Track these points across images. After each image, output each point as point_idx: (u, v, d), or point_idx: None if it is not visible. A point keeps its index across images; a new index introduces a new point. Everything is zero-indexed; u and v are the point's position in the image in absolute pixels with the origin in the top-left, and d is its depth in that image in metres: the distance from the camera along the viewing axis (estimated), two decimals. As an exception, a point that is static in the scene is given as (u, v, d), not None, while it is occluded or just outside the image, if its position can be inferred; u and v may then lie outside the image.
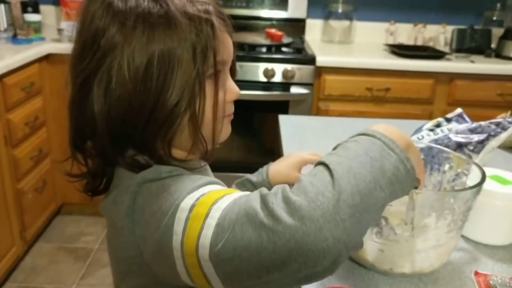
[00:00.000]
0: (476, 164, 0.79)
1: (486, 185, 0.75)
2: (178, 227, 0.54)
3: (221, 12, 0.67)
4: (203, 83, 0.62)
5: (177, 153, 0.67)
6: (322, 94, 2.41)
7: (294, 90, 2.36)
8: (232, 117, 0.73)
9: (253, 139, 2.63)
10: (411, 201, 0.68)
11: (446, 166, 0.86)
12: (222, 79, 0.67)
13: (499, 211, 0.85)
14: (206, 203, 0.54)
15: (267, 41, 2.52)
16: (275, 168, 0.98)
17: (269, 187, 0.56)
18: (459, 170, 0.84)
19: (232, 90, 0.69)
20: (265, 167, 1.01)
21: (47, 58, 2.28)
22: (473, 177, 0.79)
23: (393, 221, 0.72)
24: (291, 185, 0.86)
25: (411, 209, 0.69)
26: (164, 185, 0.60)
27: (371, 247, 0.75)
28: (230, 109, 0.71)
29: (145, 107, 0.60)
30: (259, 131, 2.63)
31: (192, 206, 0.54)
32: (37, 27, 2.49)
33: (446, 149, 0.88)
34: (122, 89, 0.60)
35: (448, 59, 2.48)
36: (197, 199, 0.55)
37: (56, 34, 2.40)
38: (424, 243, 0.73)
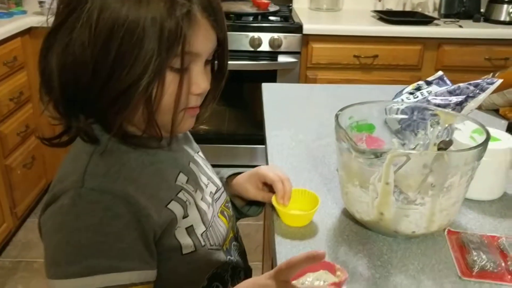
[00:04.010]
0: (470, 119, 0.80)
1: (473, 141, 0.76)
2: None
3: (211, 4, 0.63)
4: (164, 70, 0.59)
5: (132, 129, 0.66)
6: (309, 63, 2.39)
7: (281, 59, 2.34)
8: (196, 111, 0.69)
9: (243, 110, 2.62)
10: (444, 162, 0.69)
11: (431, 122, 0.86)
12: (189, 71, 0.64)
13: (486, 167, 0.84)
14: None
15: (253, 10, 2.48)
16: (238, 177, 0.92)
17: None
18: (446, 125, 0.84)
19: (197, 84, 0.65)
20: (229, 173, 0.95)
21: (29, 32, 2.24)
22: (465, 131, 0.80)
23: (414, 185, 0.72)
24: (244, 196, 0.92)
25: (443, 170, 0.70)
26: (91, 230, 0.60)
27: (396, 214, 0.73)
28: (194, 102, 0.67)
29: (99, 75, 0.58)
30: (248, 102, 2.61)
31: None
32: (18, 0, 2.44)
33: (431, 106, 0.88)
34: (80, 48, 0.58)
35: (436, 25, 2.45)
36: None
37: (38, 7, 2.35)
38: (447, 201, 0.73)
